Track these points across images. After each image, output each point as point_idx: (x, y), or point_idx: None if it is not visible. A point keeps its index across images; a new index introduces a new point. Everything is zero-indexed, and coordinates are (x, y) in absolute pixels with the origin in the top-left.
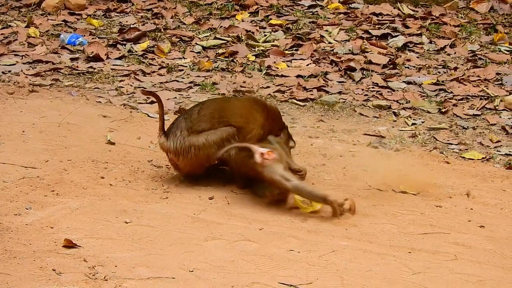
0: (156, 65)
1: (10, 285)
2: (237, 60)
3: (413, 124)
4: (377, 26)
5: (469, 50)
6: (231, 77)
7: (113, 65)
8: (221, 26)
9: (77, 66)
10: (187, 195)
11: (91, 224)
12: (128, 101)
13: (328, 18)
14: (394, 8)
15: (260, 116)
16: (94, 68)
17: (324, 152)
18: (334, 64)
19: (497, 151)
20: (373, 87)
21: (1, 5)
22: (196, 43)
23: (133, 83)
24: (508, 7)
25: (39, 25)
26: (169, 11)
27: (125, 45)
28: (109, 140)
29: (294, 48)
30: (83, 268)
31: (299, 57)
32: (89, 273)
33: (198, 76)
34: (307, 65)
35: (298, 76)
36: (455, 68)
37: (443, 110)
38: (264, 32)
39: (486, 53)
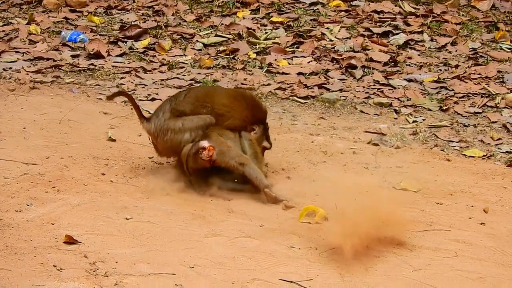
0: (157, 62)
1: (11, 281)
2: (238, 58)
3: (414, 121)
4: (378, 23)
5: (470, 48)
6: (232, 74)
7: (114, 62)
8: (222, 24)
9: (78, 63)
10: (187, 192)
11: (92, 220)
12: None
13: (329, 15)
14: (395, 5)
15: (243, 108)
16: (95, 65)
17: (324, 149)
18: (335, 61)
19: (498, 148)
20: (374, 85)
21: (2, 2)
22: (197, 41)
23: (134, 80)
24: (510, 5)
25: (40, 22)
26: (170, 9)
27: (126, 42)
28: (110, 137)
29: (295, 46)
30: (84, 264)
31: (300, 54)
32: (89, 269)
33: (199, 73)
34: (308, 62)
35: (299, 73)
36: (456, 66)
37: (444, 108)
38: (265, 30)
39: (487, 51)
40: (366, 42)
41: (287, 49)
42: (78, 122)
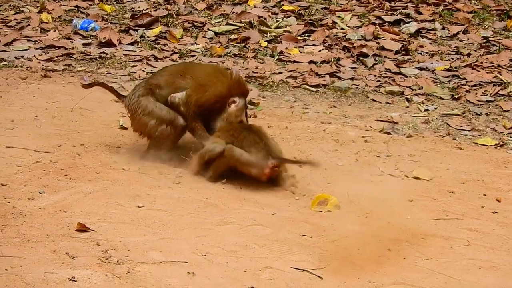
0: (168, 51)
1: (23, 269)
2: (249, 46)
3: (426, 110)
4: (389, 12)
5: (482, 36)
6: (243, 62)
7: (125, 50)
8: (233, 12)
9: (90, 52)
10: (199, 180)
11: (104, 208)
12: None
13: (341, 4)
14: None
15: (226, 79)
16: (107, 54)
17: (336, 138)
18: (346, 50)
19: (510, 137)
20: (385, 73)
21: None
22: (208, 29)
23: (145, 68)
24: None
25: (51, 11)
26: None
27: (137, 30)
28: (121, 125)
29: (306, 34)
30: (96, 252)
31: (311, 43)
32: (102, 257)
33: (210, 61)
34: (320, 51)
35: (311, 62)
36: (468, 54)
37: (456, 96)
38: (277, 18)
39: (499, 39)
40: (378, 31)
41: (299, 38)
42: (90, 110)
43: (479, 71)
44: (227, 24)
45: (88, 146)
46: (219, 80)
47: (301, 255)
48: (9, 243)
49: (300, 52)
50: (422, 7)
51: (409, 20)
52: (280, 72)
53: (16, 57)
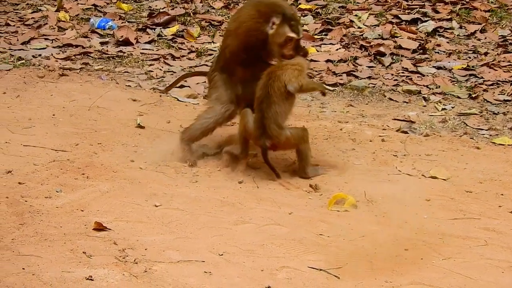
0: (185, 50)
1: (41, 267)
2: None
3: (443, 109)
4: (407, 11)
5: (499, 35)
6: None
7: (143, 49)
8: None
9: (107, 50)
10: (216, 179)
11: (121, 207)
12: (157, 85)
13: (358, 2)
14: None
15: (250, 8)
16: (124, 52)
17: (353, 137)
18: (363, 49)
19: None
20: (402, 72)
21: None
22: (225, 28)
23: (162, 67)
24: None
25: (69, 9)
26: None
27: (154, 29)
28: (138, 124)
29: (323, 33)
30: (113, 251)
31: (328, 42)
32: (119, 256)
33: None
34: (337, 49)
35: (328, 60)
36: (486, 53)
37: (473, 96)
38: None
39: None
40: (395, 29)
41: (316, 36)
42: (107, 109)
43: (496, 70)
44: None
45: (105, 145)
46: (243, 11)
47: (318, 254)
48: (26, 242)
49: (317, 51)
50: (439, 5)
51: (426, 19)
52: None
53: (33, 56)
